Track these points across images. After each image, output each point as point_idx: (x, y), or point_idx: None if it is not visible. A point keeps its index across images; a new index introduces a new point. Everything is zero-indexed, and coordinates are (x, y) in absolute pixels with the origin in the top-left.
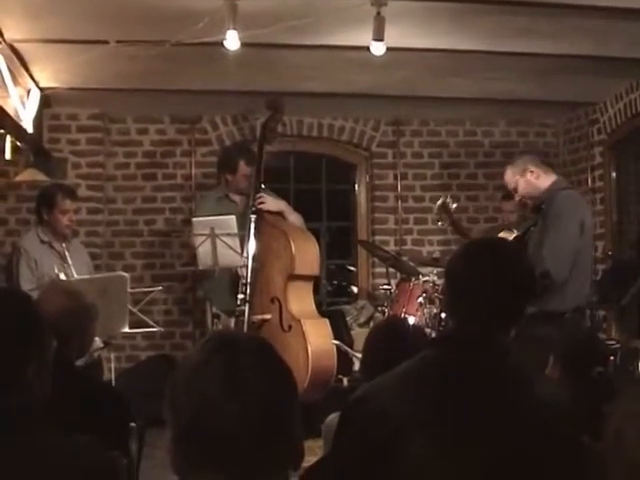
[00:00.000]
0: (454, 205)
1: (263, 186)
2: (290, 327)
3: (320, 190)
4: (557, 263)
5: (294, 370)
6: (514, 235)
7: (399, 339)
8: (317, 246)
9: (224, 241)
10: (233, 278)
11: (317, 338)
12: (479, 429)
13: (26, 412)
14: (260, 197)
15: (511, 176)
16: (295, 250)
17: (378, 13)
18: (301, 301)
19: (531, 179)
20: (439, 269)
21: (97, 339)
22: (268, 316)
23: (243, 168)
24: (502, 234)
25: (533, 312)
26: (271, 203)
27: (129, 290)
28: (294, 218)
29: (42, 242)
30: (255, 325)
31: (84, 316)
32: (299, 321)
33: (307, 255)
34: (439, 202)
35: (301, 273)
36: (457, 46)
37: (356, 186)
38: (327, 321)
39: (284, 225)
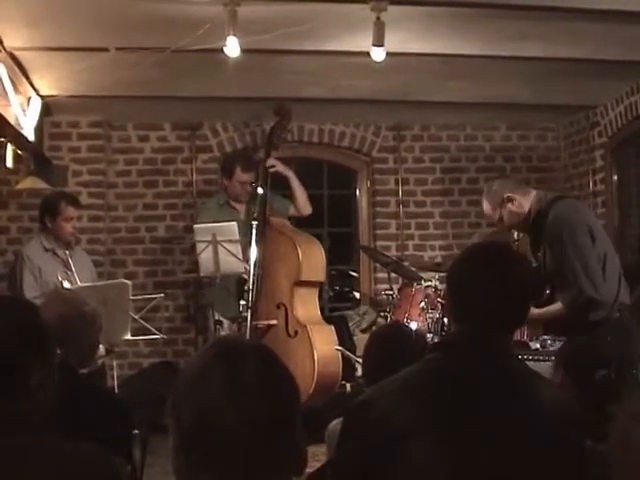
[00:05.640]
0: None
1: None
2: (296, 333)
3: (321, 196)
4: (592, 284)
5: (300, 376)
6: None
7: (398, 344)
8: (323, 252)
9: (226, 247)
10: (238, 284)
11: (323, 344)
12: (482, 434)
13: (30, 419)
14: (271, 162)
15: (491, 210)
16: (302, 256)
17: (378, 18)
18: (307, 307)
19: (513, 208)
20: (441, 274)
21: (100, 347)
22: (274, 322)
23: (239, 174)
24: None
25: (581, 323)
26: (281, 167)
27: (131, 297)
28: (298, 187)
29: (45, 250)
30: (261, 331)
31: (82, 323)
32: (305, 327)
33: (313, 261)
34: None
35: (307, 279)
36: (457, 51)
37: (357, 192)
38: (332, 327)
39: (290, 231)
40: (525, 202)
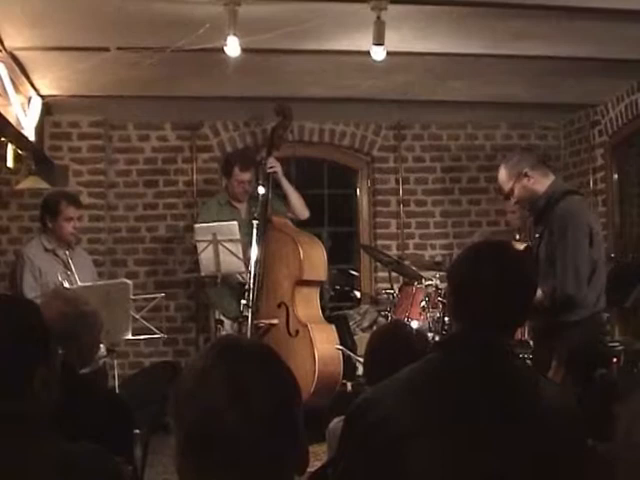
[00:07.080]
0: None
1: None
2: (297, 332)
3: (322, 195)
4: (576, 283)
5: (300, 375)
6: (525, 245)
7: (399, 343)
8: (324, 251)
9: (226, 247)
10: (239, 284)
11: (324, 343)
12: (484, 433)
13: (33, 418)
14: (271, 164)
15: (506, 179)
16: (303, 255)
17: (378, 17)
18: (308, 306)
19: (528, 184)
20: (441, 273)
21: (101, 346)
22: (275, 321)
23: (237, 173)
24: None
25: (548, 323)
26: (279, 172)
27: (132, 297)
28: (292, 193)
29: (46, 250)
30: (262, 330)
31: (83, 323)
32: (306, 326)
33: (315, 260)
34: None
35: (309, 278)
36: (457, 50)
37: (358, 191)
38: (333, 326)
39: (291, 230)
40: (542, 183)
